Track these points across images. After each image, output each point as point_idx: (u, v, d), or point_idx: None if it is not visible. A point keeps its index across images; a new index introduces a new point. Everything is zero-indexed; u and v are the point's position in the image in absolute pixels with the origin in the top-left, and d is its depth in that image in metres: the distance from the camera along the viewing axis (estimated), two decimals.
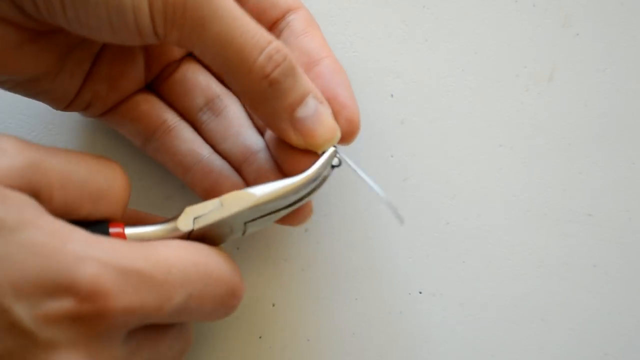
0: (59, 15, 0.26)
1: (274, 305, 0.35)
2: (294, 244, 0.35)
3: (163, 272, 0.25)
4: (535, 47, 0.37)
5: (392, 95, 0.36)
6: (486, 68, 0.37)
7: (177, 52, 0.33)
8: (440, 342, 0.35)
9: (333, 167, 0.29)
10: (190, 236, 0.28)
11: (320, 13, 0.36)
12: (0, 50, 0.27)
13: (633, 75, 0.37)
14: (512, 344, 0.35)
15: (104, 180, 0.26)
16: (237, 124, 0.32)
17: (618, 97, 0.37)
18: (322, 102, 0.29)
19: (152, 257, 0.25)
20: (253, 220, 0.28)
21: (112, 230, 0.26)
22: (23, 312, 0.22)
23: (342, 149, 0.30)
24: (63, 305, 0.23)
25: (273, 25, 0.32)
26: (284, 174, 0.30)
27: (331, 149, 0.29)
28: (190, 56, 0.34)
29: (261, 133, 0.33)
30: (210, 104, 0.33)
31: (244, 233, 0.29)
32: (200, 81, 0.33)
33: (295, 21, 0.31)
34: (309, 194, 0.29)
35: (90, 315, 0.23)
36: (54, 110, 0.32)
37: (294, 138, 0.29)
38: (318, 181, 0.29)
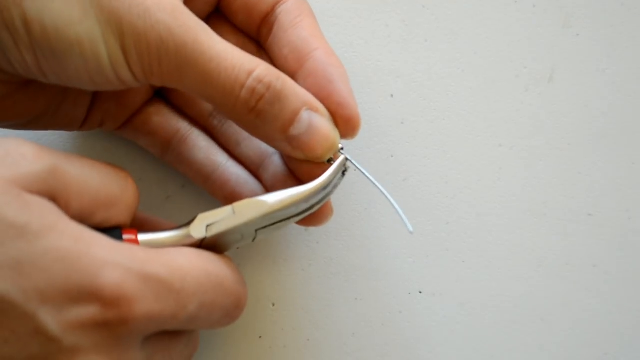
0: (39, 76, 0.26)
1: (274, 305, 0.35)
2: (294, 244, 0.35)
3: (180, 280, 0.25)
4: (535, 47, 0.37)
5: (392, 95, 0.36)
6: (486, 68, 0.37)
7: None
8: (440, 342, 0.35)
9: (343, 173, 0.29)
10: (203, 243, 0.28)
11: (320, 13, 0.36)
12: None
13: (633, 75, 0.37)
14: (512, 344, 0.35)
15: (117, 187, 0.26)
16: None
17: (618, 97, 0.37)
18: (317, 110, 0.28)
19: (169, 265, 0.25)
20: (264, 227, 0.28)
21: (125, 237, 0.26)
22: (48, 317, 0.22)
23: (342, 143, 0.29)
24: (88, 311, 0.23)
25: (264, 20, 0.31)
26: (298, 178, 0.30)
27: (341, 157, 0.29)
28: None
29: None
30: None
31: (253, 239, 0.29)
32: None
33: (283, 13, 0.30)
34: (320, 201, 0.29)
35: (114, 321, 0.23)
36: None
37: (294, 153, 0.29)
38: (329, 189, 0.29)
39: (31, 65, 0.25)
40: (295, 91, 0.28)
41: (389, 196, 0.29)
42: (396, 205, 0.29)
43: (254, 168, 0.32)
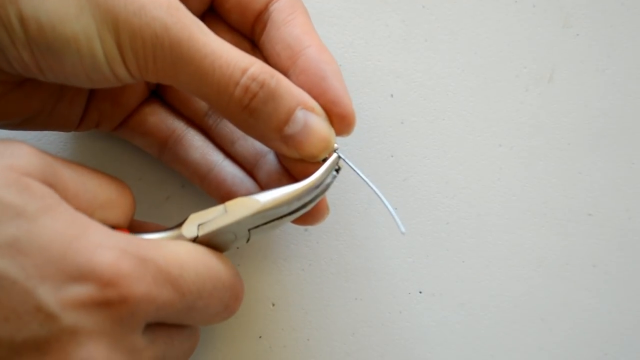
0: (36, 74, 0.26)
1: (274, 305, 0.35)
2: (294, 244, 0.35)
3: (178, 268, 0.25)
4: (535, 48, 0.37)
5: (392, 95, 0.36)
6: (486, 68, 0.37)
7: None
8: (440, 342, 0.35)
9: (336, 171, 0.29)
10: (195, 242, 0.28)
11: (320, 13, 0.36)
12: None
13: (633, 75, 0.37)
14: (512, 344, 0.35)
15: (115, 192, 0.27)
16: None
17: (618, 97, 0.37)
18: (312, 109, 0.28)
19: (167, 253, 0.25)
20: (257, 227, 0.28)
21: None
22: (48, 295, 0.22)
23: (343, 149, 0.29)
24: (87, 290, 0.23)
25: (257, 18, 0.31)
26: (293, 177, 0.30)
27: (334, 156, 0.29)
28: None
29: None
30: None
31: (247, 240, 0.29)
32: None
33: (276, 11, 0.30)
34: (312, 200, 0.29)
35: (112, 301, 0.23)
36: None
37: (289, 153, 0.29)
38: (322, 187, 0.29)
39: (28, 62, 0.26)
40: (289, 90, 0.28)
41: (381, 196, 0.29)
42: (389, 205, 0.29)
43: (249, 167, 0.32)
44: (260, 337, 0.35)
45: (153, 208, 0.35)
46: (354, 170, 0.29)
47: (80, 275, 0.23)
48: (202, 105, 0.33)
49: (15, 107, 0.29)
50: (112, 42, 0.25)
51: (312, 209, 0.29)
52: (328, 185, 0.29)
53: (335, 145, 0.29)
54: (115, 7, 0.25)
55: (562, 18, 0.37)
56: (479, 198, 0.36)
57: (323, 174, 0.28)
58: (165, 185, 0.35)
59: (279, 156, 0.31)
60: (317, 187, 0.28)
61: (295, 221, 0.29)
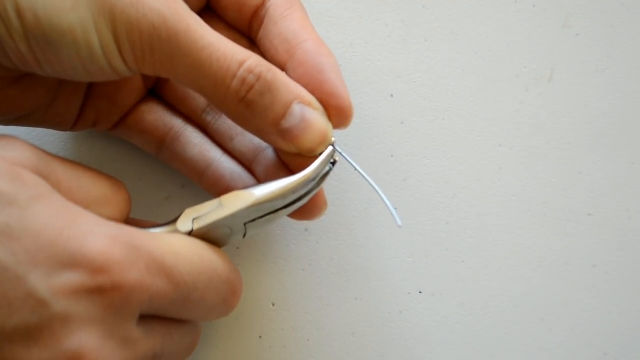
0: (34, 67, 0.26)
1: (274, 305, 0.35)
2: (294, 244, 0.35)
3: (172, 258, 0.25)
4: (535, 48, 0.37)
5: (392, 95, 0.36)
6: (486, 68, 0.37)
7: None
8: (440, 342, 0.35)
9: (332, 164, 0.29)
10: (191, 236, 0.28)
11: (320, 13, 0.36)
12: None
13: (633, 75, 0.37)
14: (512, 344, 0.35)
15: (109, 188, 0.27)
16: None
17: (618, 97, 0.37)
18: (310, 103, 0.28)
19: (160, 243, 0.25)
20: (253, 220, 0.28)
21: None
22: (39, 282, 0.22)
23: (343, 149, 0.29)
24: (78, 277, 0.23)
25: (254, 15, 0.31)
26: (291, 172, 0.30)
27: (330, 148, 0.29)
28: None
29: None
30: (212, 105, 0.33)
31: (244, 235, 0.28)
32: None
33: (274, 7, 0.30)
34: (308, 192, 0.29)
35: (104, 288, 0.23)
36: None
37: (286, 147, 0.28)
38: (317, 180, 0.29)
39: (26, 55, 0.25)
40: (286, 84, 0.28)
41: (378, 189, 0.29)
42: (385, 199, 0.29)
43: (247, 163, 0.32)
44: (260, 337, 0.35)
45: (153, 208, 0.35)
46: (350, 163, 0.29)
47: (72, 262, 0.23)
48: (200, 102, 0.33)
49: (11, 104, 0.29)
50: (109, 34, 0.25)
51: (310, 203, 0.29)
52: (324, 178, 0.29)
53: (333, 140, 0.29)
54: None
55: (562, 18, 0.37)
56: (479, 198, 0.36)
57: (319, 166, 0.28)
58: (165, 185, 0.35)
59: (277, 151, 0.31)
60: (312, 179, 0.28)
61: (294, 216, 0.29)
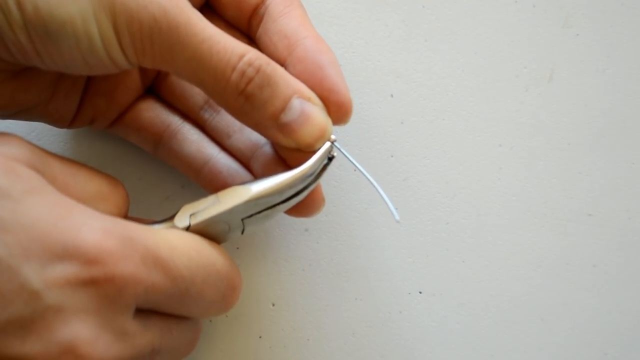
0: (35, 60, 0.26)
1: (274, 305, 0.35)
2: (294, 244, 0.35)
3: (167, 251, 0.25)
4: (535, 47, 0.37)
5: (392, 95, 0.36)
6: (486, 68, 0.37)
7: None
8: (440, 342, 0.35)
9: (330, 159, 0.29)
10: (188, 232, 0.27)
11: (321, 13, 0.36)
12: None
13: (633, 75, 0.37)
14: (512, 344, 0.35)
15: (106, 186, 0.27)
16: None
17: (618, 97, 0.37)
18: (309, 98, 0.28)
19: (156, 237, 0.25)
20: (250, 216, 0.28)
21: None
22: (32, 273, 0.22)
23: (341, 145, 0.29)
24: (72, 269, 0.23)
25: (253, 12, 0.31)
26: (289, 167, 0.30)
27: (327, 143, 0.29)
28: None
29: None
30: (210, 102, 0.33)
31: (242, 231, 0.28)
32: None
33: (273, 4, 0.31)
34: (305, 188, 0.28)
35: (98, 280, 0.23)
36: None
37: (285, 141, 0.28)
38: (314, 175, 0.28)
39: (26, 46, 0.25)
40: (285, 78, 0.28)
41: (375, 184, 0.29)
42: (383, 193, 0.29)
43: (245, 160, 0.32)
44: (260, 337, 0.35)
45: (153, 208, 0.35)
46: (348, 158, 0.29)
47: (65, 253, 0.23)
48: (197, 99, 0.33)
49: (10, 98, 0.29)
50: (109, 25, 0.25)
51: (307, 199, 0.29)
52: (321, 173, 0.29)
53: (333, 137, 0.29)
54: None
55: (562, 18, 0.37)
56: (479, 198, 0.36)
57: (316, 161, 0.28)
58: (165, 185, 0.35)
59: (275, 146, 0.31)
60: (310, 174, 0.28)
61: (291, 212, 0.29)
